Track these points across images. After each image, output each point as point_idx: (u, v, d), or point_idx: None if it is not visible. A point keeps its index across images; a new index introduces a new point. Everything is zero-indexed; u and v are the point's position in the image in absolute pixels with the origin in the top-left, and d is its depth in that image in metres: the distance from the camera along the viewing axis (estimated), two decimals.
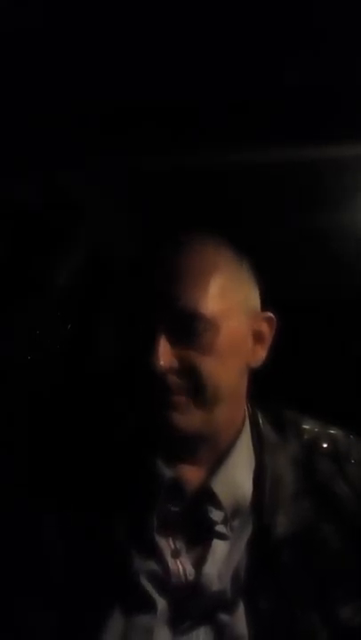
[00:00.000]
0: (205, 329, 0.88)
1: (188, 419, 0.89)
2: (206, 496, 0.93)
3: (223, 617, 0.91)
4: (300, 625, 0.90)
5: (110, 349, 1.45)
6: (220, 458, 0.96)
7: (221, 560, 0.93)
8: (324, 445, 1.01)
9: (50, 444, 1.01)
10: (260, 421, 1.01)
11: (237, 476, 0.95)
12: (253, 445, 0.99)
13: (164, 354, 0.87)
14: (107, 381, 1.33)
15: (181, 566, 0.92)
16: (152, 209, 1.42)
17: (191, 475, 0.95)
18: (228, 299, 0.92)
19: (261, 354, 0.98)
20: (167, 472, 0.93)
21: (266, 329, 0.98)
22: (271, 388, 1.01)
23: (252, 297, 0.97)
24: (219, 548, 0.93)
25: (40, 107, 1.23)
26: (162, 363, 0.86)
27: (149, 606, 0.90)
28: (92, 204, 1.42)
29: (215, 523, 0.93)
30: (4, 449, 1.01)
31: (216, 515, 0.93)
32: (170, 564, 0.92)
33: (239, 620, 0.90)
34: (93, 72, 1.19)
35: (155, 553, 0.92)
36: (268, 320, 0.98)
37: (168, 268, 0.91)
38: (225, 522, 0.93)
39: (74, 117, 1.24)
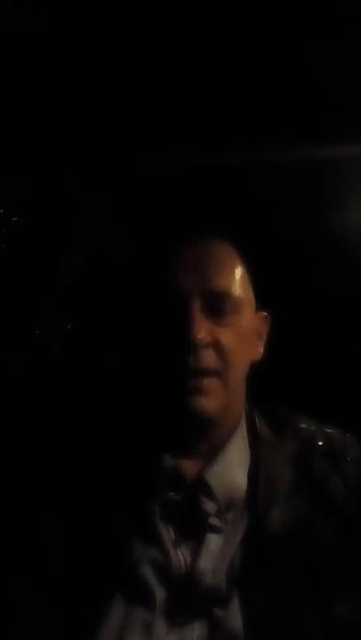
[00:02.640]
0: (233, 310, 0.95)
1: (213, 401, 0.92)
2: (200, 486, 0.94)
3: (218, 611, 0.91)
4: (295, 620, 0.90)
5: (111, 348, 1.46)
6: (215, 450, 0.97)
7: (216, 554, 0.93)
8: (320, 443, 1.02)
9: (51, 439, 1.02)
10: (257, 419, 1.03)
11: (232, 470, 0.96)
12: (249, 442, 1.00)
13: (201, 328, 0.91)
14: (107, 380, 1.34)
15: (182, 557, 0.92)
16: (152, 209, 1.42)
17: (190, 465, 0.96)
18: (246, 290, 0.99)
19: (260, 350, 1.03)
20: (169, 461, 0.95)
21: (263, 327, 1.04)
22: (269, 388, 1.02)
23: (253, 296, 1.02)
24: (213, 541, 0.93)
25: (40, 107, 1.24)
26: (199, 336, 0.90)
27: (148, 597, 0.90)
28: (92, 204, 1.42)
29: (208, 514, 0.93)
30: (6, 446, 1.02)
31: (209, 506, 0.93)
32: (171, 554, 0.92)
33: (234, 614, 0.90)
34: (94, 72, 1.20)
35: (157, 541, 0.93)
36: (264, 319, 1.05)
37: (198, 256, 0.97)
38: (219, 514, 0.94)
39: (74, 117, 1.25)
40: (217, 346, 0.92)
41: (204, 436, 0.97)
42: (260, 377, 1.01)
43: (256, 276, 1.01)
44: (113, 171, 1.36)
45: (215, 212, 1.30)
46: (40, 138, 1.26)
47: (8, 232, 1.41)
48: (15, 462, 1.00)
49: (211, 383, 0.92)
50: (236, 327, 0.95)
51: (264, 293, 1.02)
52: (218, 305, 0.94)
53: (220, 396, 0.93)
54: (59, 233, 1.43)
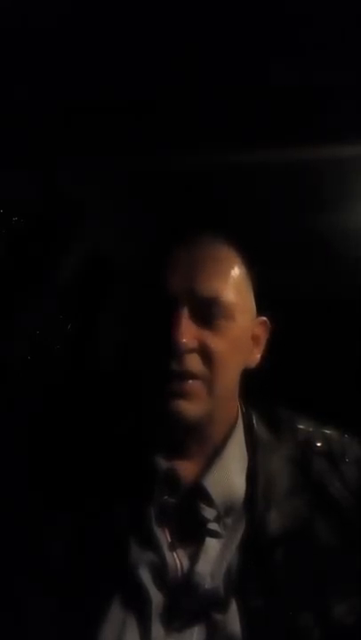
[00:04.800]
0: (223, 315, 0.93)
1: (195, 406, 0.91)
2: (198, 493, 0.94)
3: (216, 615, 0.91)
4: (293, 624, 0.90)
5: (110, 348, 1.46)
6: (212, 455, 0.97)
7: (214, 558, 0.93)
8: (319, 445, 1.01)
9: (52, 439, 1.02)
10: (254, 421, 1.02)
11: (230, 474, 0.96)
12: (246, 444, 0.99)
13: (186, 332, 0.90)
14: (107, 380, 1.34)
15: (178, 560, 0.92)
16: (152, 209, 1.42)
17: (186, 468, 0.96)
18: (241, 295, 0.96)
19: (257, 356, 1.01)
20: (163, 463, 0.95)
21: (261, 333, 1.02)
22: (267, 388, 1.02)
23: (253, 300, 1.01)
24: (211, 546, 0.93)
25: (40, 107, 1.23)
26: (184, 339, 0.89)
27: (145, 600, 0.90)
28: (92, 204, 1.42)
29: (207, 520, 0.93)
30: (6, 446, 1.02)
31: (208, 512, 0.93)
32: (167, 557, 0.92)
33: (232, 618, 0.90)
34: (94, 72, 1.19)
35: (153, 544, 0.93)
36: (264, 324, 1.02)
37: (189, 257, 0.95)
38: (218, 520, 0.94)
39: (74, 117, 1.25)
40: (203, 351, 0.91)
41: (196, 439, 0.96)
42: (258, 377, 1.01)
43: (258, 279, 1.00)
44: (113, 171, 1.36)
45: (215, 212, 1.30)
46: (40, 138, 1.26)
47: (8, 232, 1.41)
48: (16, 462, 1.00)
49: (194, 387, 0.91)
50: (227, 332, 0.93)
51: (263, 294, 1.02)
52: (206, 310, 0.92)
53: (204, 401, 0.92)
54: (59, 233, 1.43)
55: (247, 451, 0.99)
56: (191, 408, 0.91)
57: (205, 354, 0.91)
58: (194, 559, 0.92)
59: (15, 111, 1.22)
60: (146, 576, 0.91)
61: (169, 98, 1.21)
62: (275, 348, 1.02)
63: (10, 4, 1.11)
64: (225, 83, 1.19)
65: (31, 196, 1.39)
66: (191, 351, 0.90)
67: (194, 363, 0.91)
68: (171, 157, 1.30)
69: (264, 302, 1.02)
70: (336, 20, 1.10)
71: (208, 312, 0.92)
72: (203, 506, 0.93)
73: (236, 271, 0.97)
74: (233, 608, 0.91)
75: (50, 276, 1.45)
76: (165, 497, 0.94)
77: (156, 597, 0.91)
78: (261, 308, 1.02)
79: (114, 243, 1.47)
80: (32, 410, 1.14)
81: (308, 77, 1.16)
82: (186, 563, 0.92)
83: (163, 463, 0.95)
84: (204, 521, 0.93)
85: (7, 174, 1.30)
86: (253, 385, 1.01)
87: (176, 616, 0.90)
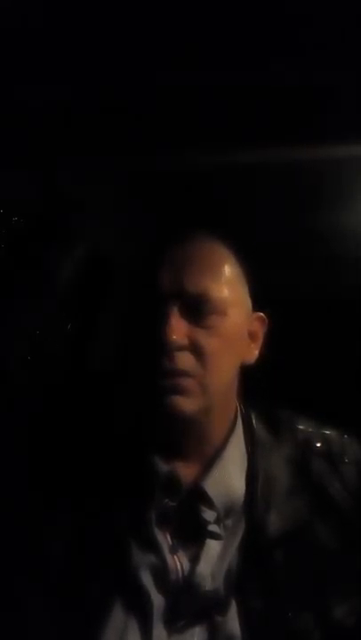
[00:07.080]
0: (214, 312, 0.92)
1: (190, 402, 0.91)
2: (198, 495, 0.93)
3: (217, 616, 0.91)
4: (294, 625, 0.90)
5: (110, 348, 1.46)
6: (211, 456, 0.96)
7: (214, 559, 0.93)
8: (318, 445, 1.01)
9: (52, 439, 1.02)
10: (254, 421, 1.02)
11: (230, 475, 0.96)
12: (246, 445, 0.99)
13: (176, 330, 0.90)
14: (107, 380, 1.34)
15: (179, 562, 0.92)
16: (152, 209, 1.43)
17: (185, 471, 0.95)
18: (234, 290, 0.96)
19: (255, 352, 1.01)
20: (163, 467, 0.94)
21: (258, 328, 1.02)
22: (266, 389, 1.02)
23: (247, 297, 1.01)
24: (212, 547, 0.93)
25: (40, 106, 1.23)
26: (174, 337, 0.89)
27: (146, 603, 0.90)
28: (92, 204, 1.42)
29: (208, 522, 0.93)
30: (7, 446, 1.02)
31: (209, 514, 0.93)
32: (168, 559, 0.92)
33: (232, 619, 0.90)
34: (94, 72, 1.19)
35: (153, 546, 0.92)
36: (260, 319, 1.02)
37: (180, 255, 0.95)
38: (218, 521, 0.94)
39: (74, 117, 1.25)
40: (195, 348, 0.91)
41: (195, 440, 0.96)
42: (257, 377, 1.01)
43: (252, 276, 1.00)
44: (113, 171, 1.36)
45: (215, 212, 1.30)
46: (40, 138, 1.26)
47: (8, 232, 1.41)
48: (16, 462, 1.00)
49: (187, 384, 0.90)
50: (219, 329, 0.92)
51: (261, 293, 1.02)
52: (196, 306, 0.92)
53: (198, 397, 0.91)
54: (59, 233, 1.43)
55: (247, 451, 0.99)
56: (186, 403, 0.91)
57: (197, 351, 0.91)
58: (194, 561, 0.92)
59: (15, 111, 1.22)
60: (147, 578, 0.91)
61: (169, 98, 1.21)
62: (274, 348, 1.02)
63: (10, 4, 1.11)
64: (225, 82, 1.19)
65: (31, 196, 1.39)
66: (182, 348, 0.90)
67: (185, 360, 0.90)
68: (171, 157, 1.30)
69: (264, 302, 1.02)
70: (336, 19, 1.10)
71: (199, 309, 0.92)
72: (203, 508, 0.93)
73: (228, 268, 0.97)
74: (233, 609, 0.91)
75: (50, 276, 1.45)
76: (166, 500, 0.93)
77: (157, 599, 0.90)
78: (261, 308, 1.02)
79: (114, 243, 1.48)
80: (32, 410, 1.14)
81: (308, 77, 1.16)
82: (186, 564, 0.92)
83: (163, 466, 0.94)
84: (205, 523, 0.93)
85: (7, 174, 1.30)
86: (253, 385, 1.01)
87: (177, 617, 0.90)
